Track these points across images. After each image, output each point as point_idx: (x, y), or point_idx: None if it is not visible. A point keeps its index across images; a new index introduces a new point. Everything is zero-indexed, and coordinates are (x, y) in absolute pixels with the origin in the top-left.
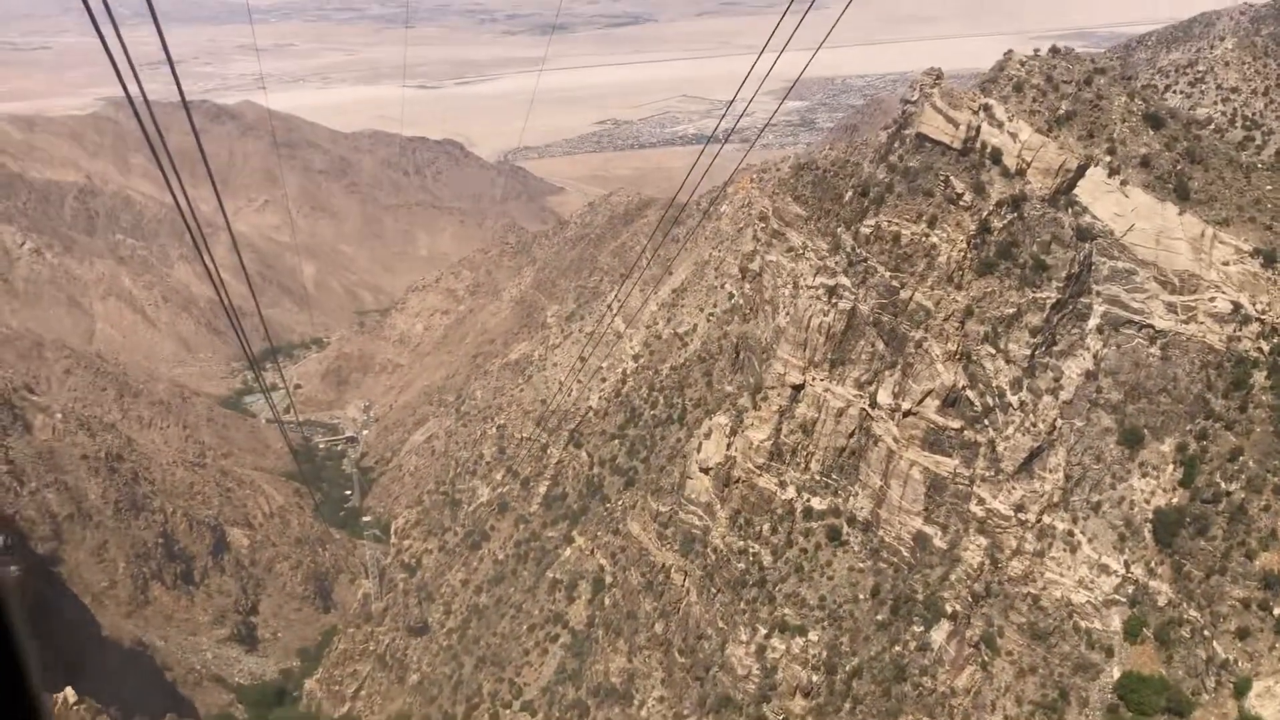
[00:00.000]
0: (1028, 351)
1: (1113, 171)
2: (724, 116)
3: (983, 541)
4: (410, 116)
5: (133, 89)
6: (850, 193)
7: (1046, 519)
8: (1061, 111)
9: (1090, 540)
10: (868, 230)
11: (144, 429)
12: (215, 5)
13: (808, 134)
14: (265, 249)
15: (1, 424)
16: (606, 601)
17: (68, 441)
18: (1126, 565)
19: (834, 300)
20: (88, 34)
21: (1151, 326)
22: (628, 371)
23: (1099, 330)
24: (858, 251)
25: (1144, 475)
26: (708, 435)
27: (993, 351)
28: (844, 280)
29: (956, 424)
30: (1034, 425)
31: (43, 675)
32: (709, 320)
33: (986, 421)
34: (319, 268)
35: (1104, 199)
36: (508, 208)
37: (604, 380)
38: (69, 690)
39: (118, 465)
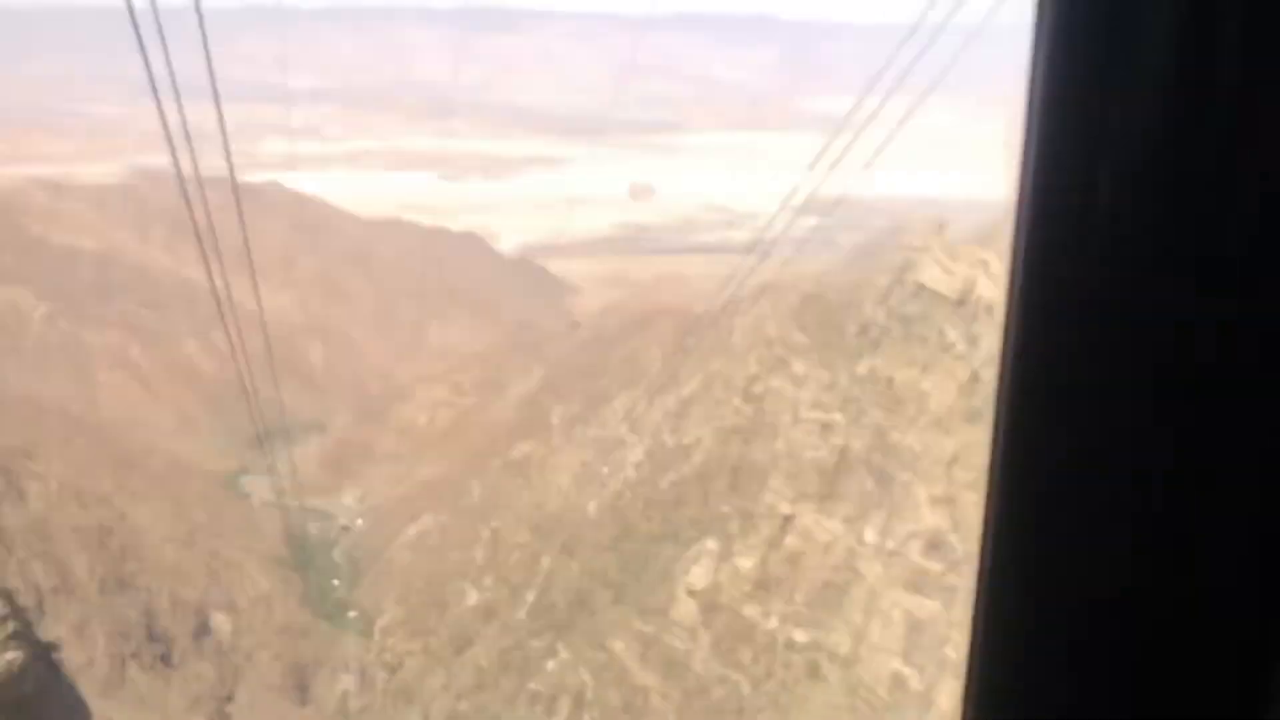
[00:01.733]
0: None
1: None
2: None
3: (957, 687)
4: (433, 207)
5: (183, 162)
6: (853, 327)
7: None
8: None
9: None
10: (863, 371)
11: (137, 502)
12: (252, 82)
13: (829, 251)
14: (276, 329)
15: None
16: (594, 716)
17: (59, 513)
18: None
19: (827, 436)
20: (122, 104)
21: None
22: (628, 480)
23: None
24: (853, 391)
25: None
26: (697, 559)
27: (977, 499)
28: (838, 417)
29: (939, 567)
30: None
31: None
32: (714, 434)
33: (968, 567)
34: (328, 351)
35: None
36: (522, 303)
37: (603, 487)
38: None
39: (107, 540)
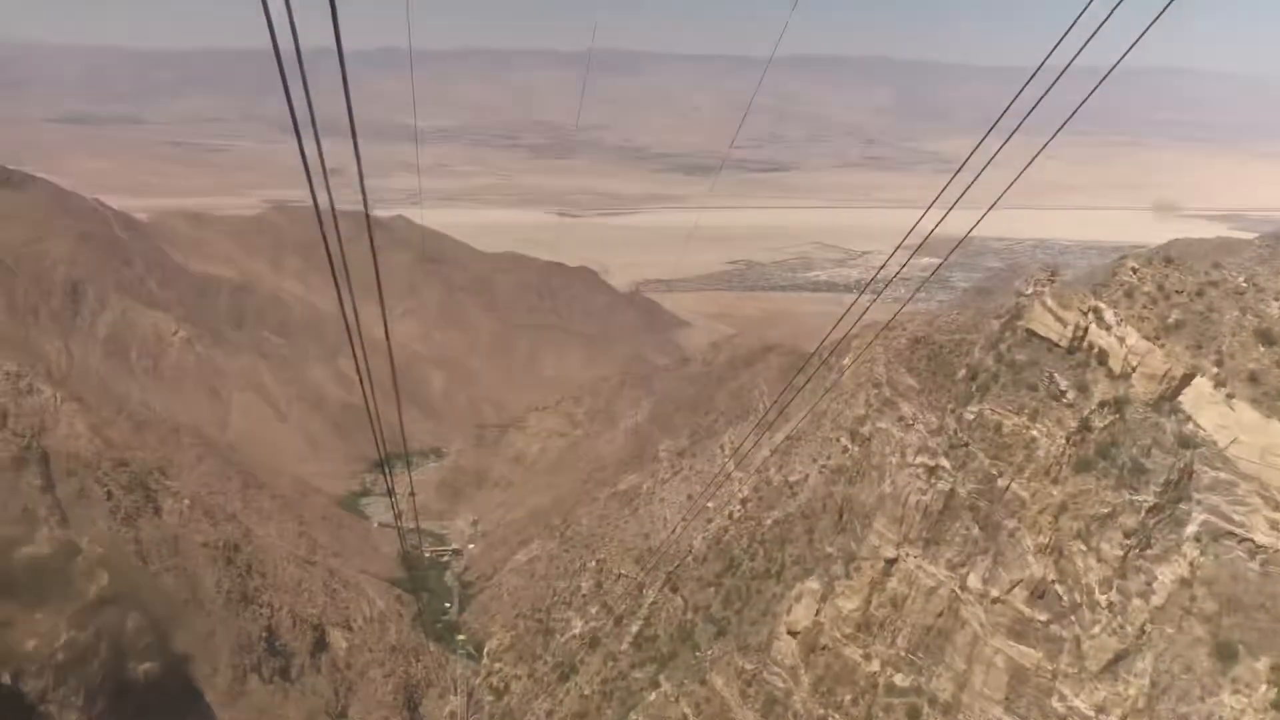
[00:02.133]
0: (1120, 552)
1: (1219, 383)
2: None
3: None
4: (551, 242)
5: (320, 196)
6: (962, 371)
7: None
8: (1171, 320)
9: None
10: (971, 416)
11: (263, 521)
12: (382, 121)
13: (942, 292)
14: (399, 357)
15: (135, 505)
16: None
17: (191, 528)
18: None
19: (933, 480)
20: (262, 141)
21: (1252, 540)
22: (733, 516)
23: (1196, 538)
24: (960, 435)
25: (1235, 691)
26: (799, 598)
27: (1084, 549)
28: (944, 462)
29: (1043, 616)
30: (1122, 627)
31: None
32: (820, 472)
33: (1074, 618)
34: (447, 379)
35: (1208, 409)
36: (633, 337)
37: (710, 521)
38: None
39: (234, 556)
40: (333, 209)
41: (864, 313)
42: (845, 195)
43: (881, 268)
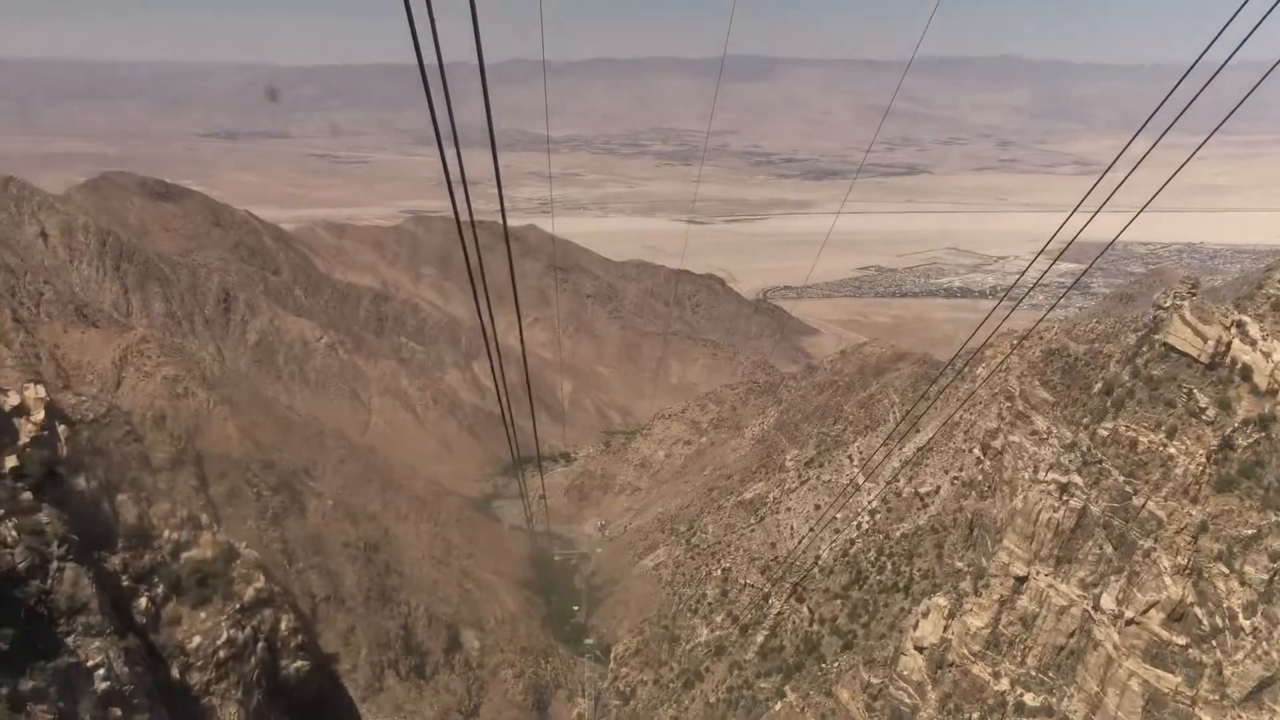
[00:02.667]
0: (1265, 576)
1: None
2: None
3: None
4: (678, 249)
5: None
6: (1098, 385)
7: None
8: None
9: None
10: (1105, 432)
11: (400, 521)
12: (514, 132)
13: (1081, 298)
14: (531, 364)
15: (283, 505)
16: None
17: (333, 528)
18: None
19: (1065, 498)
20: (401, 153)
21: None
22: (861, 527)
23: None
24: (1093, 452)
25: None
26: (925, 614)
27: (1226, 571)
28: (1077, 479)
29: (1182, 640)
30: (1267, 653)
31: None
32: (951, 484)
33: (1214, 643)
34: (576, 386)
35: None
36: (760, 344)
37: (837, 532)
38: None
39: (374, 555)
40: (472, 221)
41: (1002, 321)
42: (979, 199)
43: (1022, 274)
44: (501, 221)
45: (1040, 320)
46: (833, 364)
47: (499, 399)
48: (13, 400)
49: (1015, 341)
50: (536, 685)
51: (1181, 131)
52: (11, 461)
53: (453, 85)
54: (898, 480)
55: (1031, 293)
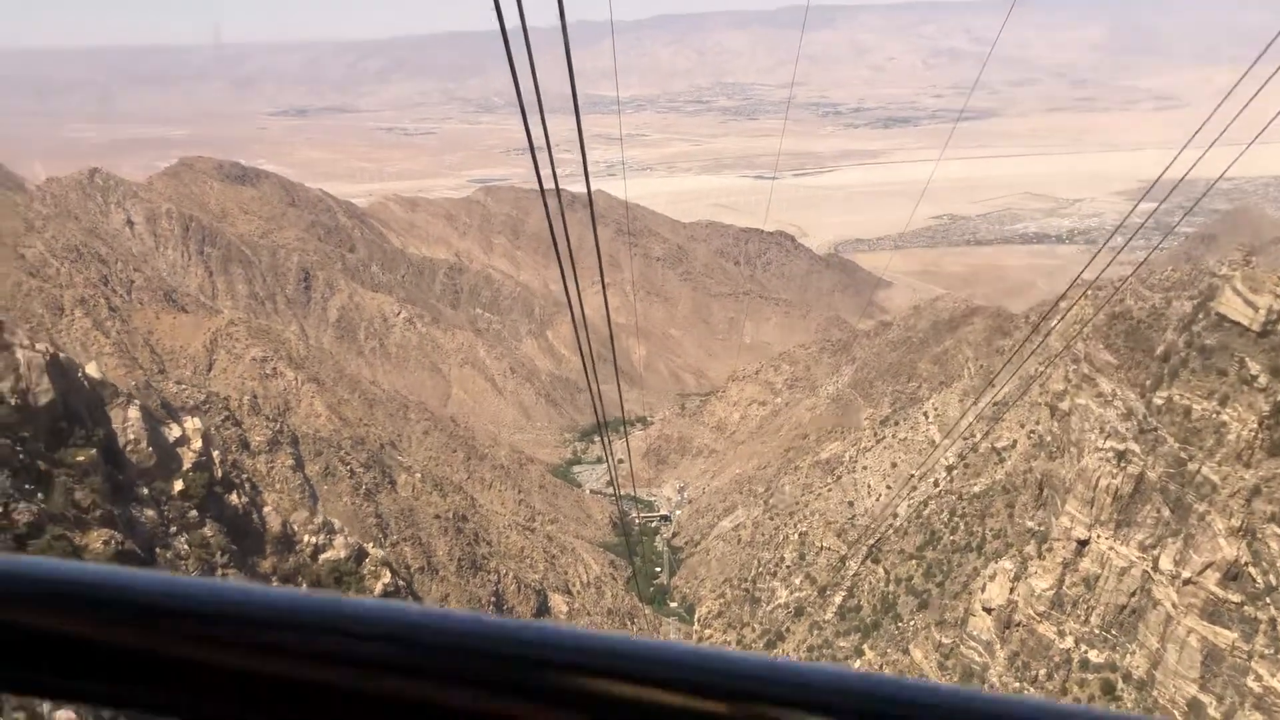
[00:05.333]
0: None
1: None
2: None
3: (1259, 717)
4: (747, 206)
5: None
6: (1161, 348)
7: None
8: None
9: None
10: (1160, 401)
11: (485, 490)
12: (581, 94)
13: (1161, 237)
14: (603, 329)
15: (374, 481)
16: None
17: (423, 500)
18: None
19: (1123, 464)
20: (465, 121)
21: None
22: (938, 483)
23: None
24: (1149, 420)
25: None
26: (993, 577)
27: (1279, 531)
28: (1134, 446)
29: (1237, 598)
30: None
31: None
32: (1029, 438)
33: (1269, 600)
34: (649, 350)
35: None
36: (833, 300)
37: (913, 490)
38: None
39: (462, 525)
40: (558, 189)
41: (1084, 269)
42: (1054, 141)
43: (1090, 216)
44: (586, 189)
45: (1106, 263)
46: (905, 320)
47: (584, 364)
48: (175, 432)
49: (1084, 291)
50: None
51: (1268, 61)
52: (179, 485)
53: (517, 50)
54: (974, 436)
55: (1120, 237)
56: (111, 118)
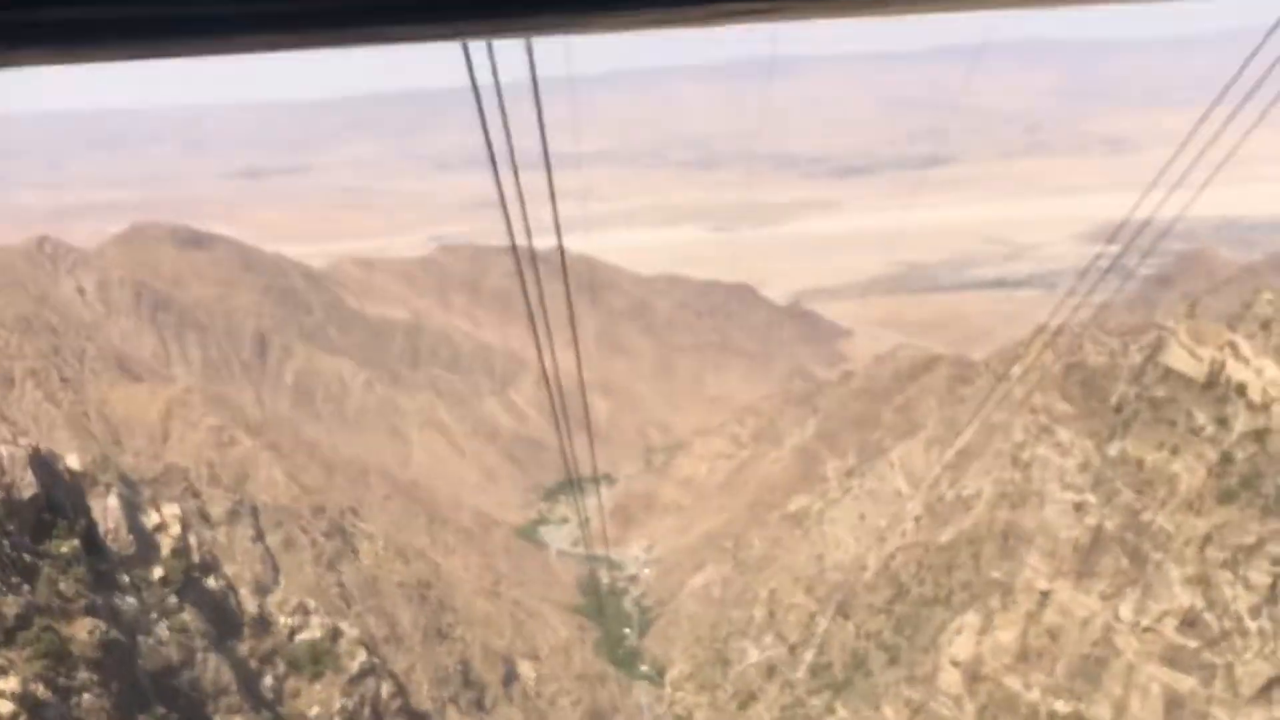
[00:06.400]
0: (1269, 580)
1: None
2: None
3: None
4: (706, 259)
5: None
6: (1116, 398)
7: None
8: None
9: None
10: (1114, 453)
11: (448, 555)
12: (533, 150)
13: (1119, 280)
14: (566, 385)
15: (336, 550)
16: None
17: (386, 569)
18: None
19: (1081, 515)
20: (422, 179)
21: None
22: (905, 535)
23: None
24: (1105, 472)
25: None
26: (959, 631)
27: (1232, 578)
28: (1090, 497)
29: (1195, 644)
30: (1274, 652)
31: None
32: (994, 486)
33: (1225, 645)
34: (612, 405)
35: None
36: (795, 350)
37: (882, 541)
38: None
39: (426, 593)
40: (531, 249)
41: (1051, 317)
42: (1009, 186)
43: (1047, 261)
44: (558, 241)
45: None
46: (868, 370)
47: (556, 423)
48: (154, 519)
49: (1045, 340)
50: (594, 711)
51: (1225, 103)
52: (159, 571)
53: (467, 107)
54: (940, 486)
55: (1065, 279)
56: (60, 183)
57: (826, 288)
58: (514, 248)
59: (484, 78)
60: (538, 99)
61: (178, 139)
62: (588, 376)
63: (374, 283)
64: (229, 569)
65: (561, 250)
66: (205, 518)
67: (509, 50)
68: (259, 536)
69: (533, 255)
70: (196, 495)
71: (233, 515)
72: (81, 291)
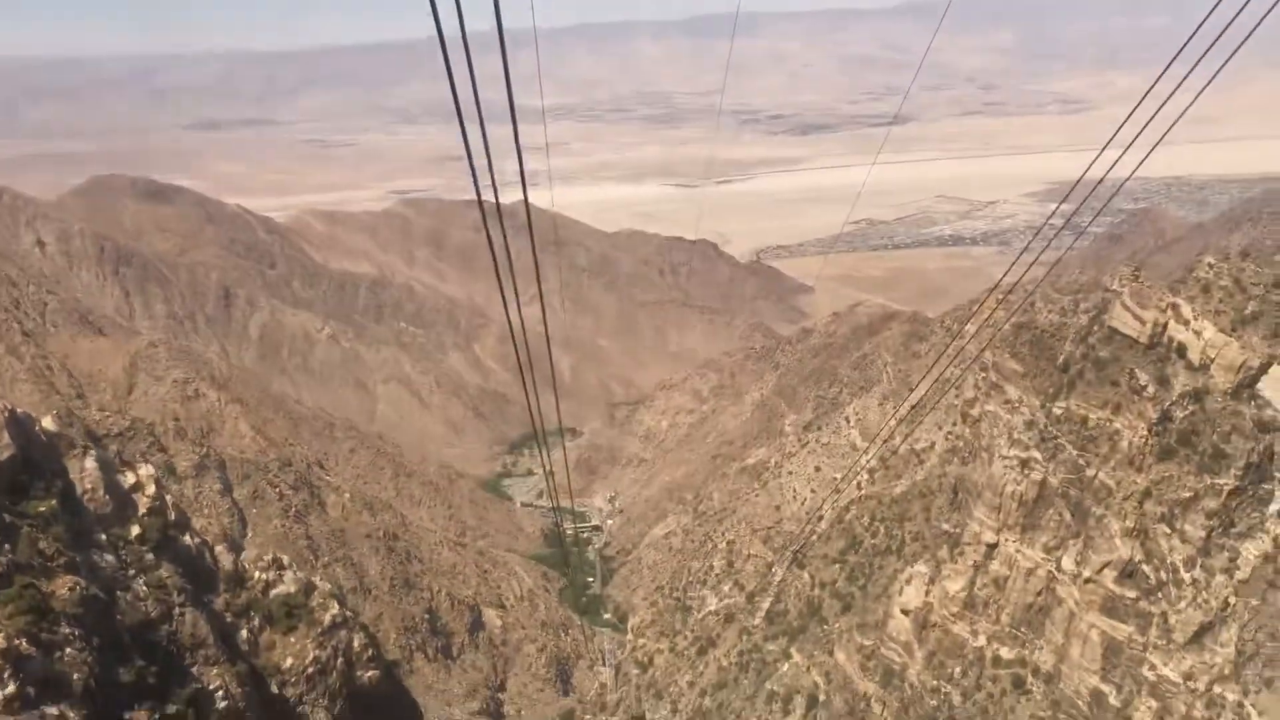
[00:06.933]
0: (1203, 533)
1: None
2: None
3: (1154, 704)
4: (670, 215)
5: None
6: (1063, 358)
7: (1217, 689)
8: (1248, 312)
9: (1261, 714)
10: (1059, 411)
11: (414, 507)
12: (498, 104)
13: (1072, 238)
14: (531, 341)
15: (304, 503)
16: (822, 717)
17: (353, 520)
18: None
19: (1026, 471)
20: (384, 132)
21: None
22: (859, 487)
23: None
24: (1049, 429)
25: None
26: (909, 581)
27: (1168, 531)
28: (1036, 454)
29: (1132, 594)
30: (1206, 601)
31: None
32: (946, 439)
33: (1160, 594)
34: (577, 360)
35: None
36: (756, 306)
37: (837, 494)
38: None
39: (394, 544)
40: (498, 203)
41: (1006, 275)
42: (967, 145)
43: (1004, 218)
44: (524, 197)
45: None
46: (826, 326)
47: (522, 377)
48: (130, 479)
49: (996, 297)
50: (558, 658)
51: (1180, 62)
52: (136, 529)
53: (430, 61)
54: (894, 439)
55: (1022, 236)
56: (17, 133)
57: (787, 244)
58: (480, 202)
59: (450, 28)
60: (504, 50)
61: (137, 90)
62: (553, 332)
63: (337, 236)
64: (197, 522)
65: (528, 207)
66: (172, 471)
67: (475, 1)
68: (227, 489)
69: (499, 210)
70: (163, 449)
71: (200, 469)
72: (41, 244)
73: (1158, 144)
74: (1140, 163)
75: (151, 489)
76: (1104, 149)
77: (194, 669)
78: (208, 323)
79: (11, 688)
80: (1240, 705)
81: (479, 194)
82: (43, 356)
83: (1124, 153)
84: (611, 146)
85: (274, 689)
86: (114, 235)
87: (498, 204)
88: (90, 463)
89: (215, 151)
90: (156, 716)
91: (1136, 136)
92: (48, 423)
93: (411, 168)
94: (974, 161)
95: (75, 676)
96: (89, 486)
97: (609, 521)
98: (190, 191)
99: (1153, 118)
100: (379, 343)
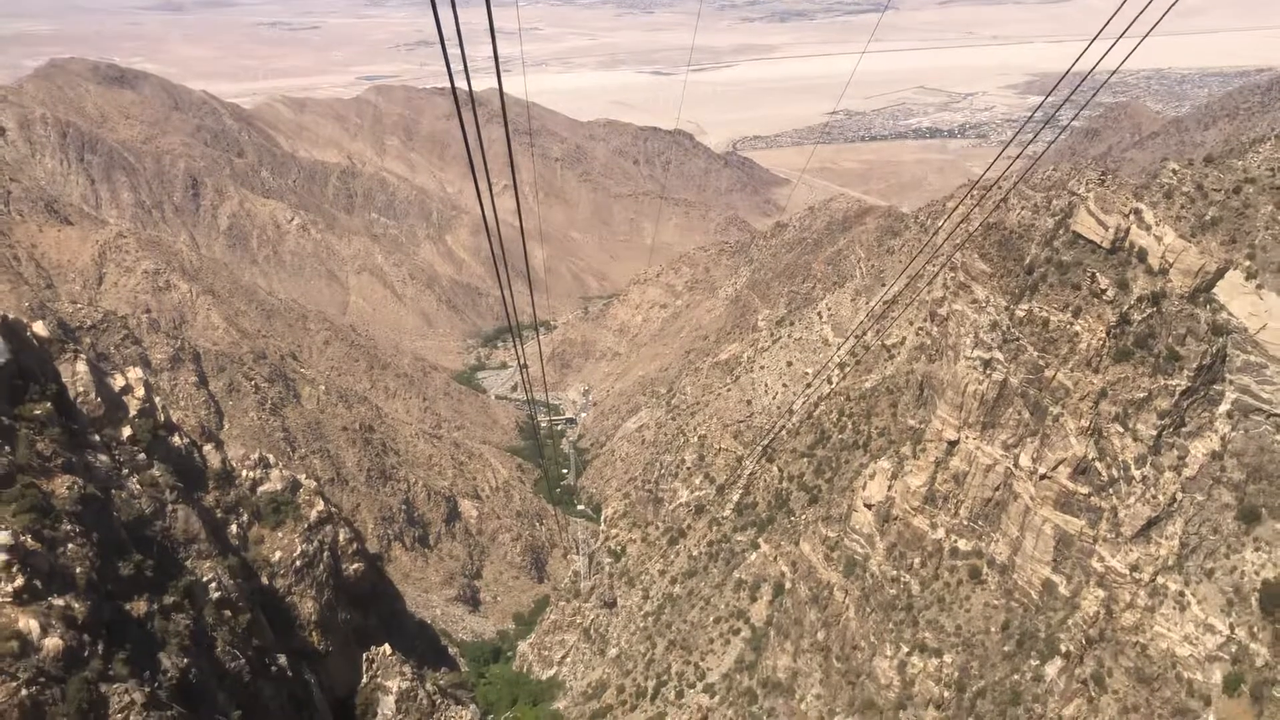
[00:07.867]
0: (1154, 432)
1: (1250, 275)
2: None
3: (1101, 594)
4: (645, 103)
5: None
6: (1028, 260)
7: (1160, 579)
8: (1208, 218)
9: (1200, 602)
10: (1021, 313)
11: (389, 399)
12: None
13: (1050, 133)
14: (503, 232)
15: (280, 396)
16: (788, 604)
17: (329, 413)
18: (1231, 627)
19: (988, 371)
20: (354, 16)
21: (1279, 416)
22: (832, 381)
23: (1229, 415)
24: (1012, 331)
25: (1257, 549)
26: (872, 476)
27: (1121, 430)
28: (998, 355)
29: (1085, 490)
30: (1154, 497)
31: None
32: (917, 334)
33: (1111, 490)
34: (550, 252)
35: (1240, 299)
36: (732, 199)
37: (807, 388)
38: (386, 645)
39: (370, 436)
40: (471, 93)
41: (986, 171)
42: (946, 34)
43: (981, 110)
44: (497, 83)
45: (994, 156)
46: (801, 221)
47: (496, 269)
48: (120, 382)
49: (970, 191)
50: (533, 546)
51: None
52: (127, 431)
53: None
54: (865, 335)
55: (1005, 131)
56: None
57: (763, 135)
58: (453, 89)
59: None
60: None
61: None
62: (526, 224)
63: (306, 124)
64: (173, 415)
65: (502, 95)
66: (148, 364)
67: None
68: (202, 382)
69: (471, 98)
70: (137, 342)
71: (175, 361)
72: (2, 130)
73: (1148, 34)
74: (1128, 56)
75: (141, 391)
76: (1093, 40)
77: (188, 562)
78: (176, 212)
79: (20, 580)
80: (1181, 594)
81: (452, 80)
82: (9, 246)
83: (1113, 45)
84: (585, 31)
85: (264, 580)
86: (77, 121)
87: (470, 92)
88: (81, 366)
89: (177, 34)
90: (155, 606)
91: (1125, 29)
92: (39, 328)
93: (380, 52)
94: (954, 52)
95: (78, 570)
96: (81, 390)
97: (582, 414)
98: (155, 77)
99: (1144, 10)
100: (350, 233)
